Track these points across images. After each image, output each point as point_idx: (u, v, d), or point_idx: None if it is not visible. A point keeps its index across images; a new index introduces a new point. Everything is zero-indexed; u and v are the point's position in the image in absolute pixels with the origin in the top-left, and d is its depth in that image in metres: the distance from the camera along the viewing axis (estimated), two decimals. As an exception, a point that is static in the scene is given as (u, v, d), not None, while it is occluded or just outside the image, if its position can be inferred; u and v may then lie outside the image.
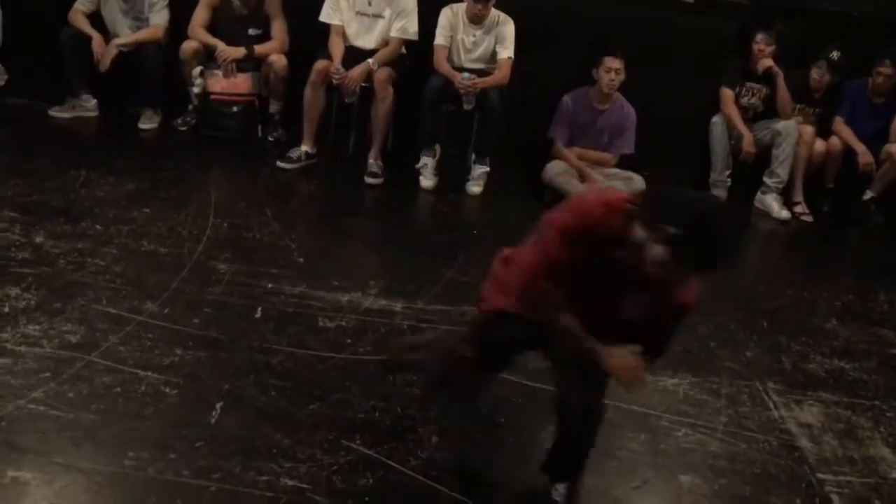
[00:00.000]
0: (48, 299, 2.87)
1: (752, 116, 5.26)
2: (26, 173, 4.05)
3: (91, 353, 2.57)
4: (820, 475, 2.48)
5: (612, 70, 4.72)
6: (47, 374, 2.43)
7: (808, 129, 5.23)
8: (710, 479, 2.39)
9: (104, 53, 4.90)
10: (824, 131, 5.33)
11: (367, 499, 2.12)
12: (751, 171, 5.24)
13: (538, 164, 4.87)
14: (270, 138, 5.15)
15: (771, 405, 2.85)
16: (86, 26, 4.94)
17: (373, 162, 4.76)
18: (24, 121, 4.98)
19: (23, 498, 1.97)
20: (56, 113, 5.06)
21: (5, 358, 2.49)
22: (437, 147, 4.86)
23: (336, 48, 4.76)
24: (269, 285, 3.18)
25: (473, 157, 4.90)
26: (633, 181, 4.81)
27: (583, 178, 4.83)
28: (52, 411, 2.27)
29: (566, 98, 4.90)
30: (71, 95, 5.10)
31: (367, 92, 4.76)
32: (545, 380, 2.78)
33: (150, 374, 2.52)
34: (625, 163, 4.96)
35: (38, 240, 3.33)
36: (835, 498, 2.38)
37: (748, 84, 5.25)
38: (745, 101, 5.26)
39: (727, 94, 5.20)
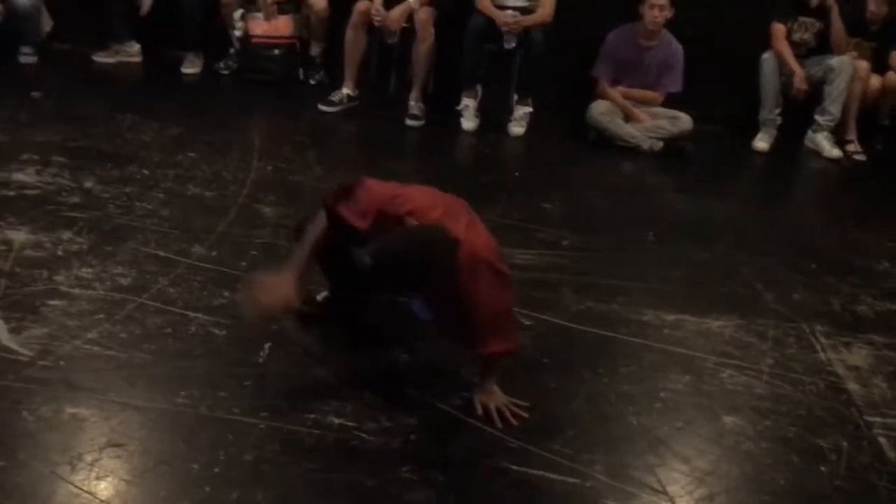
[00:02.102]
0: (99, 243, 2.93)
1: (805, 52, 5.09)
2: (73, 118, 4.11)
3: (142, 295, 2.63)
4: (868, 417, 2.46)
5: (655, 6, 4.60)
6: (101, 316, 2.50)
7: (864, 65, 5.05)
8: (753, 420, 2.38)
9: (144, -3, 4.92)
10: (880, 66, 5.14)
11: (412, 436, 2.16)
12: (802, 108, 5.10)
13: (582, 104, 4.79)
14: (312, 81, 5.14)
15: (818, 347, 2.82)
16: (127, -31, 4.95)
17: (414, 104, 4.73)
18: (70, 66, 5.04)
19: (81, 433, 2.04)
20: (100, 58, 5.11)
21: (61, 300, 2.57)
22: (479, 88, 4.81)
23: (376, -12, 4.70)
24: (313, 228, 3.20)
25: (515, 97, 4.84)
26: (680, 120, 4.73)
27: (628, 117, 4.75)
28: (107, 351, 2.34)
29: (610, 36, 4.79)
30: (114, 40, 5.13)
31: (408, 32, 4.70)
32: (586, 321, 2.79)
33: (199, 315, 2.57)
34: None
35: (88, 184, 3.40)
36: (882, 440, 2.36)
37: (801, 18, 5.06)
38: (797, 36, 5.08)
39: (778, 29, 5.03)
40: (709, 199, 4.11)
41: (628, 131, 4.69)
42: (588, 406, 2.38)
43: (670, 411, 2.39)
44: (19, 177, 3.39)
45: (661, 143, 4.71)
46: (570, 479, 2.07)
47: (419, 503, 1.95)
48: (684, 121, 4.73)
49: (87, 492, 1.87)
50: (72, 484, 1.89)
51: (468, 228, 2.12)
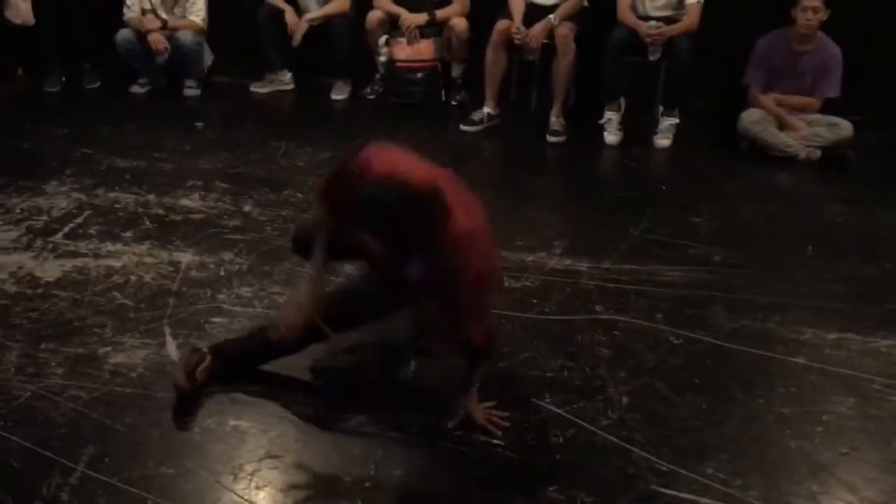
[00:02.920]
0: (258, 263, 3.10)
1: (982, 47, 4.69)
2: (233, 146, 4.37)
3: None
4: None
5: (808, 9, 4.36)
6: (259, 333, 2.63)
7: None
8: (930, 449, 2.20)
9: (296, 28, 5.17)
10: None
11: (557, 456, 2.14)
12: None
13: (732, 113, 4.62)
14: (453, 102, 5.22)
15: None
16: (279, 1, 5.22)
17: (555, 120, 4.71)
18: (230, 97, 5.36)
19: (242, 445, 2.16)
20: (256, 88, 5.41)
21: (223, 317, 2.73)
22: (622, 101, 4.73)
23: (516, 7, 4.73)
24: (457, 246, 3.25)
25: (661, 108, 4.73)
26: (839, 127, 4.46)
27: (783, 125, 4.54)
28: (266, 367, 2.45)
29: (761, 41, 4.60)
30: (269, 71, 5.42)
31: (549, 48, 4.70)
32: (738, 340, 2.68)
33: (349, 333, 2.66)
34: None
35: (247, 208, 3.60)
36: None
37: (977, 11, 4.67)
38: (972, 30, 4.69)
39: (951, 23, 4.66)
40: (874, 211, 3.85)
41: (783, 140, 4.48)
42: (742, 428, 2.28)
43: (833, 436, 2.25)
44: (185, 202, 3.64)
45: (819, 152, 4.46)
46: (725, 506, 1.99)
47: (566, 524, 1.93)
48: (844, 127, 4.46)
49: (248, 500, 1.98)
50: (234, 493, 2.00)
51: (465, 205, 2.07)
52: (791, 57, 4.55)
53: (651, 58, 4.52)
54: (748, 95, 4.62)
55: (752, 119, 4.51)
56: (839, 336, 2.72)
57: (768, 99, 4.57)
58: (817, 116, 4.56)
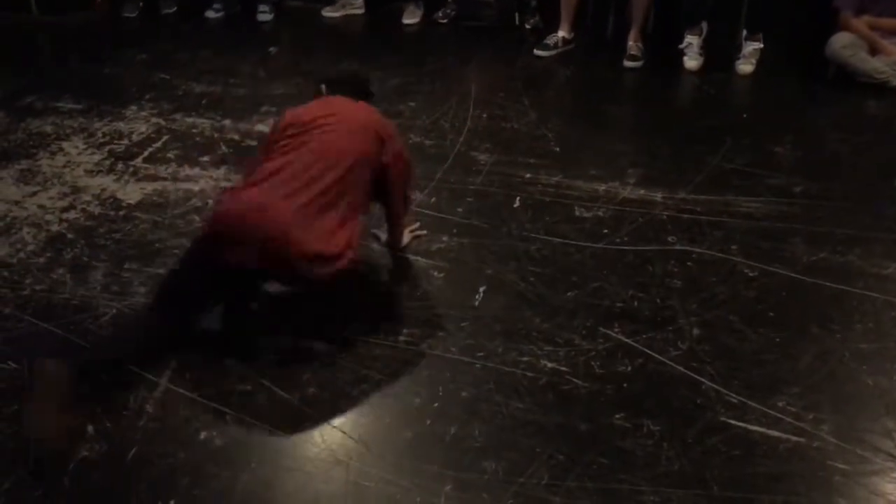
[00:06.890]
0: (329, 189, 3.13)
1: None
2: (306, 72, 4.37)
3: (367, 240, 2.79)
4: None
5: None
6: (331, 257, 2.68)
7: None
8: None
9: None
10: None
11: (625, 385, 2.15)
12: None
13: (820, 38, 4.39)
14: (528, 25, 5.10)
15: None
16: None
17: (632, 44, 4.56)
18: (302, 22, 5.35)
19: (328, 368, 2.23)
20: (328, 13, 5.38)
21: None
22: (704, 24, 4.54)
23: (594, -75, 4.55)
24: (527, 175, 3.23)
25: (744, 32, 4.53)
26: (937, 51, 4.21)
27: (875, 50, 4.30)
28: (334, 292, 2.50)
29: (856, -40, 4.32)
30: (341, -6, 5.38)
31: (628, -31, 4.53)
32: (816, 274, 2.60)
33: (419, 258, 2.69)
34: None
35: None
36: None
37: None
38: None
39: None
40: (970, 141, 3.65)
41: (875, 66, 4.25)
42: (817, 363, 2.24)
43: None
44: (260, 128, 3.69)
45: (913, 79, 4.22)
46: (795, 438, 1.97)
47: (632, 451, 1.94)
48: (943, 51, 4.20)
49: (320, 417, 2.05)
50: (307, 409, 2.07)
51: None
52: (888, -24, 4.27)
53: None
54: (839, 18, 4.38)
55: (841, 43, 4.28)
56: (925, 272, 2.62)
57: (861, 22, 4.33)
58: (914, 40, 4.30)
